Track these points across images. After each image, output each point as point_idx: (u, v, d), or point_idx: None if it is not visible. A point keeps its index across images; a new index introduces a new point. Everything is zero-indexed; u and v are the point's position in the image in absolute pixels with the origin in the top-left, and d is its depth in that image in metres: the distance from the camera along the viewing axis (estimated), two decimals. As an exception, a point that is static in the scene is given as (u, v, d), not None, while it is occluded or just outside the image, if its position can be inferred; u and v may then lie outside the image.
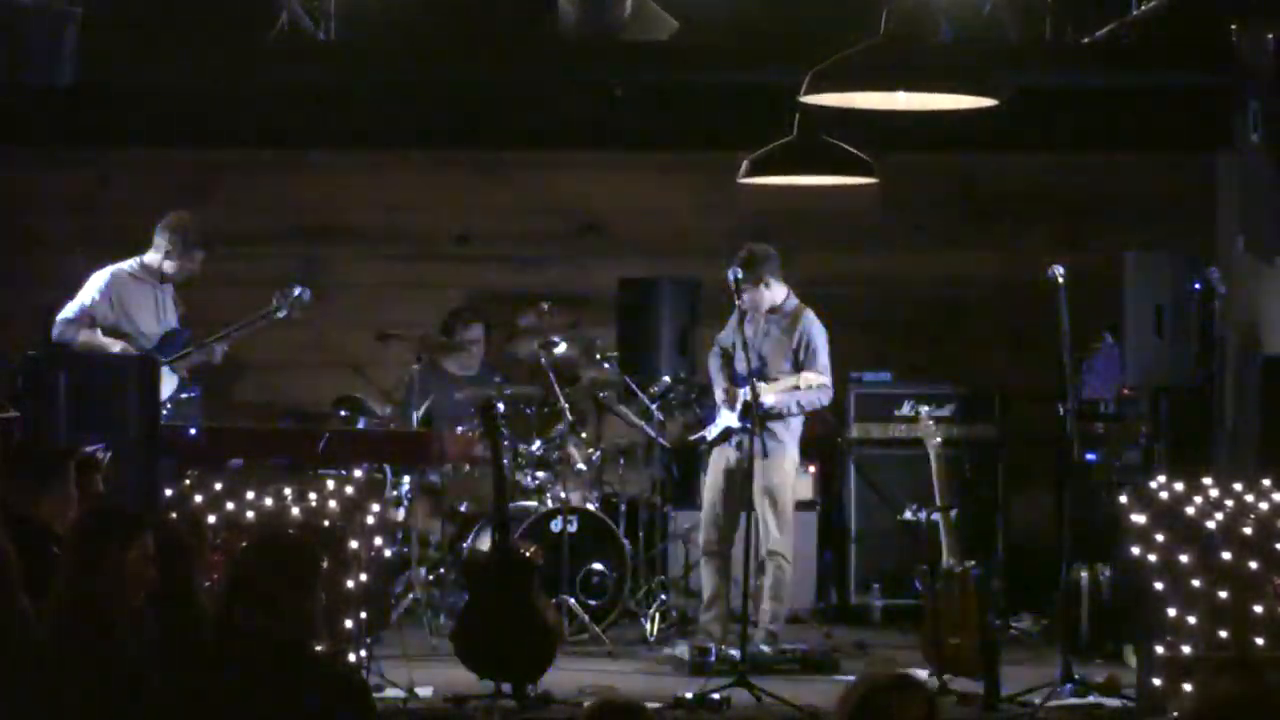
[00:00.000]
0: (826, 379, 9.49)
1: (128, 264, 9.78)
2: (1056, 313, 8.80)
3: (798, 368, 9.47)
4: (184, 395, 9.74)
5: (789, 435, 9.48)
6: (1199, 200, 11.31)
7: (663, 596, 10.16)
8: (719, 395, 9.62)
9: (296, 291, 9.89)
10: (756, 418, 9.09)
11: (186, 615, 5.49)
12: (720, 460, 9.54)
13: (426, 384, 10.37)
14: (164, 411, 9.41)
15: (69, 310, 9.63)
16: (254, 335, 10.06)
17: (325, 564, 5.48)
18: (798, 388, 9.38)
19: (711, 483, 9.58)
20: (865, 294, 11.39)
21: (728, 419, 9.48)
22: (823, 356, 9.50)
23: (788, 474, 9.51)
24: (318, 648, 5.33)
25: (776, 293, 9.52)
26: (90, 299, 9.63)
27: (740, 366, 9.41)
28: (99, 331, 9.58)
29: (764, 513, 9.36)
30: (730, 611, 9.49)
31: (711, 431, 9.65)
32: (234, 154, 11.48)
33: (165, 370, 9.52)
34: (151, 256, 9.78)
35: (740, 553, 9.11)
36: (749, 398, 9.11)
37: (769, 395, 9.29)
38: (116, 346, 9.46)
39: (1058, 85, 10.00)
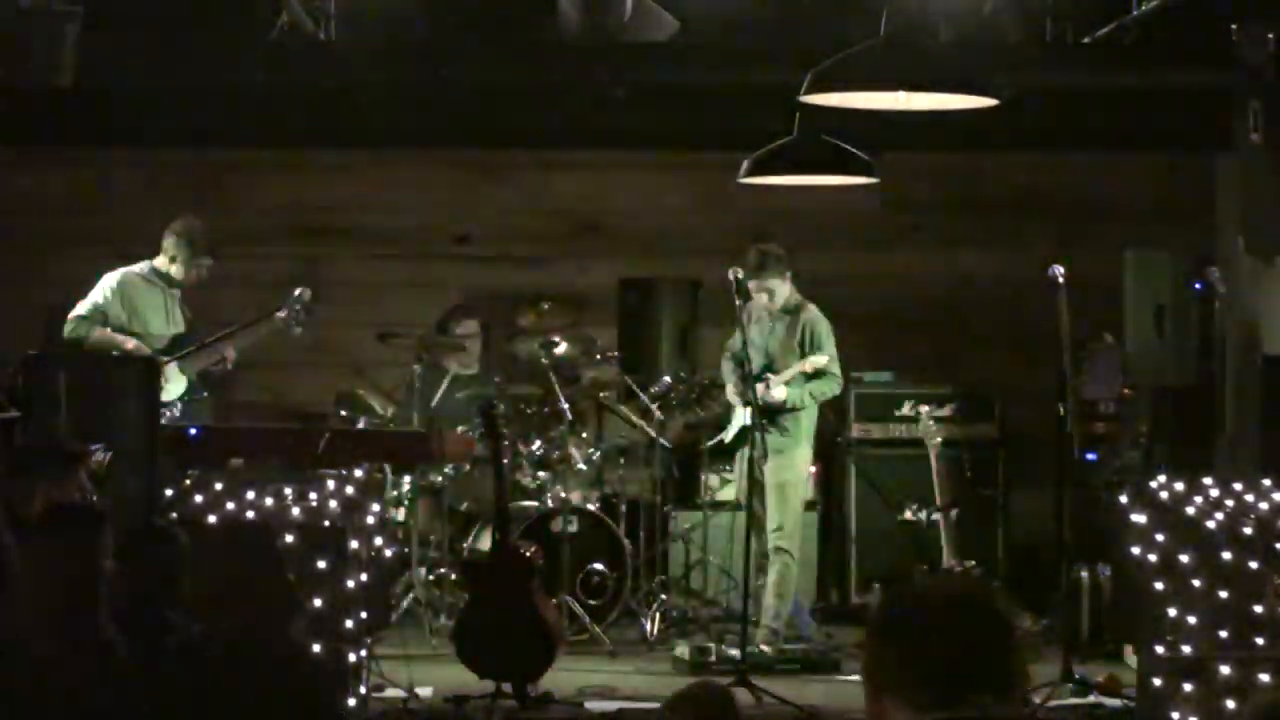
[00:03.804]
0: (834, 367, 9.53)
1: (137, 267, 9.78)
2: (1056, 313, 8.81)
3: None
4: (194, 397, 9.75)
5: (801, 432, 9.50)
6: (1199, 200, 11.32)
7: (663, 596, 10.16)
8: (731, 397, 9.66)
9: (296, 292, 9.90)
10: (759, 419, 9.12)
11: (169, 619, 5.50)
12: (742, 463, 9.57)
13: (427, 384, 10.37)
14: (174, 412, 9.44)
15: (81, 308, 9.62)
16: (260, 339, 10.05)
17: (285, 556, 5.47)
18: (804, 373, 9.41)
19: (741, 486, 9.61)
20: (865, 294, 11.39)
21: (741, 419, 9.50)
22: (829, 347, 9.53)
23: (800, 471, 9.53)
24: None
25: (786, 289, 9.58)
26: (102, 297, 9.63)
27: (747, 366, 9.43)
28: (110, 329, 9.59)
29: (773, 508, 9.38)
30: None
31: (728, 434, 9.68)
32: (234, 154, 11.49)
33: (175, 371, 9.53)
34: (160, 261, 9.79)
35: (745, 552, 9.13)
36: (757, 398, 9.15)
37: (780, 389, 9.34)
38: (131, 343, 9.46)
39: (1058, 85, 10.00)
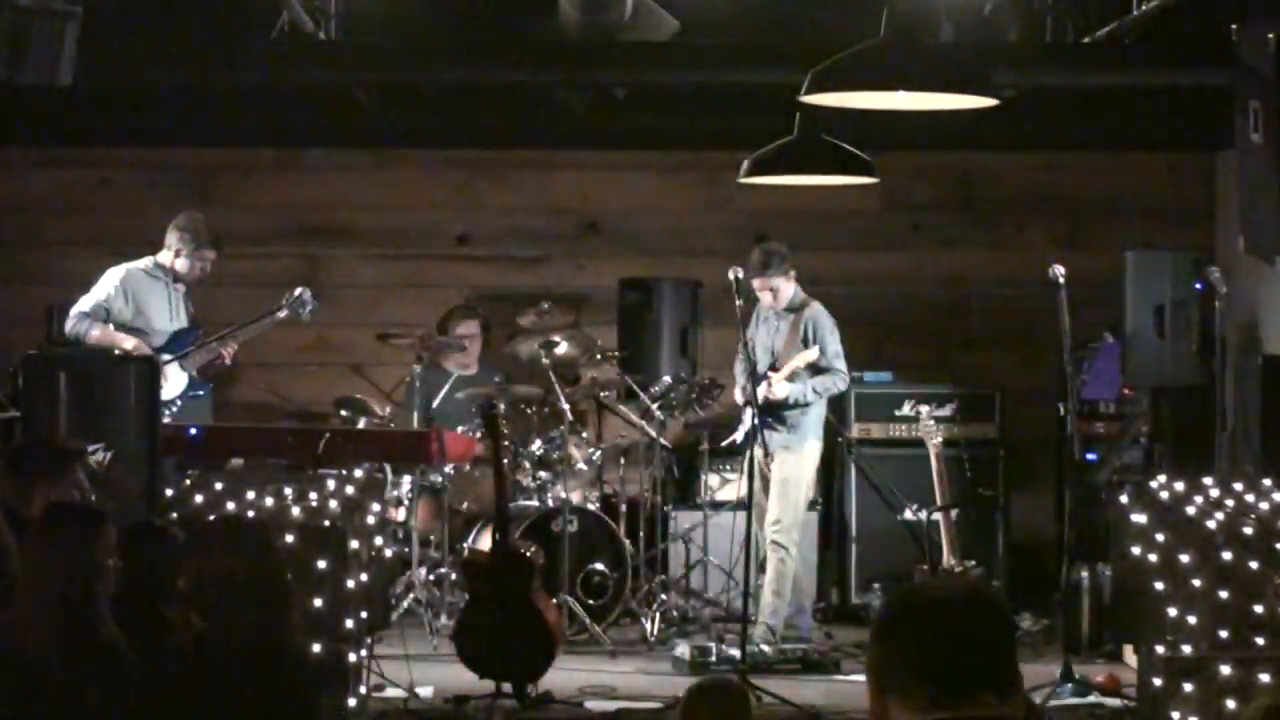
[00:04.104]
0: (839, 363, 9.54)
1: (142, 262, 9.79)
2: (1056, 313, 8.81)
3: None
4: (194, 394, 9.75)
5: (808, 428, 9.51)
6: (1199, 200, 11.32)
7: (663, 596, 10.16)
8: (736, 396, 9.68)
9: (297, 292, 9.91)
10: (762, 417, 9.12)
11: (166, 618, 5.51)
12: (748, 461, 9.60)
13: (427, 384, 10.37)
14: (173, 409, 9.43)
15: (84, 304, 9.62)
16: (259, 338, 10.07)
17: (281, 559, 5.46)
18: (808, 368, 9.43)
19: (747, 484, 9.65)
20: (865, 294, 11.39)
21: (749, 419, 9.52)
22: (833, 343, 9.55)
23: (805, 467, 9.54)
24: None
25: (790, 288, 9.60)
26: (106, 294, 9.64)
27: (751, 365, 9.44)
28: (112, 326, 9.59)
29: (773, 502, 9.38)
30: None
31: (739, 434, 9.69)
32: (234, 154, 11.49)
33: (175, 369, 9.52)
34: (164, 255, 9.80)
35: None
36: (759, 397, 9.17)
37: (782, 386, 9.35)
38: (129, 342, 9.45)
39: (1058, 85, 10.01)
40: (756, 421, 9.26)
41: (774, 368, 9.54)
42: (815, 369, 9.54)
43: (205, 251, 9.78)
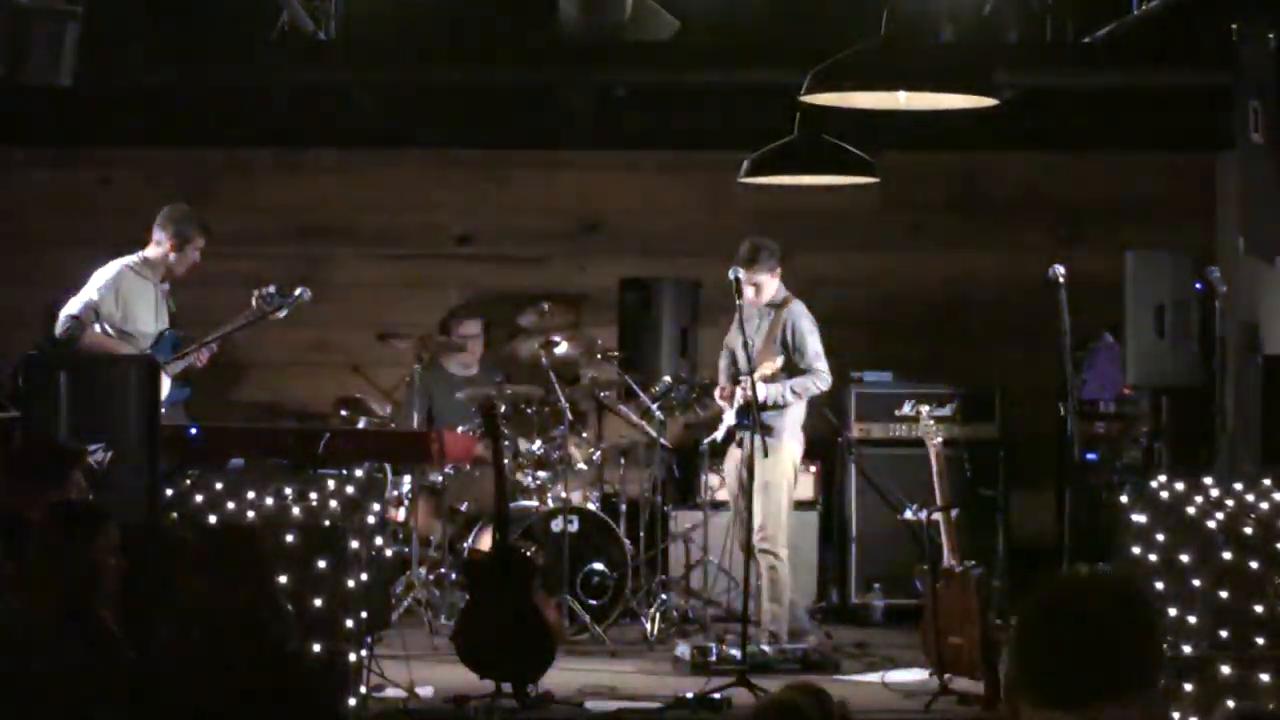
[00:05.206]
0: (820, 363, 9.51)
1: (131, 258, 9.75)
2: (1056, 313, 8.81)
3: (789, 358, 9.49)
4: (175, 397, 9.72)
5: (787, 430, 9.48)
6: (1199, 200, 11.32)
7: (663, 596, 10.16)
8: (717, 395, 9.65)
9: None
10: (757, 417, 9.10)
11: (165, 617, 5.51)
12: (731, 460, 9.57)
13: (427, 384, 10.37)
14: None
15: (73, 306, 9.59)
16: (255, 335, 10.06)
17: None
18: (785, 369, 9.42)
19: (729, 484, 9.62)
20: (865, 294, 11.39)
21: (729, 418, 9.51)
22: (813, 343, 9.51)
23: (784, 470, 9.50)
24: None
25: (774, 285, 9.59)
26: (96, 293, 9.60)
27: (740, 364, 9.43)
28: (99, 328, 9.57)
29: (756, 509, 9.37)
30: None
31: (720, 432, 9.68)
32: (234, 154, 11.49)
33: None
34: (152, 251, 9.76)
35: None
36: (747, 395, 9.14)
37: (760, 387, 9.33)
38: (124, 348, 9.44)
39: (1058, 85, 10.00)
40: (739, 421, 9.27)
41: (755, 367, 9.48)
42: (794, 369, 9.51)
43: (195, 241, 9.75)
